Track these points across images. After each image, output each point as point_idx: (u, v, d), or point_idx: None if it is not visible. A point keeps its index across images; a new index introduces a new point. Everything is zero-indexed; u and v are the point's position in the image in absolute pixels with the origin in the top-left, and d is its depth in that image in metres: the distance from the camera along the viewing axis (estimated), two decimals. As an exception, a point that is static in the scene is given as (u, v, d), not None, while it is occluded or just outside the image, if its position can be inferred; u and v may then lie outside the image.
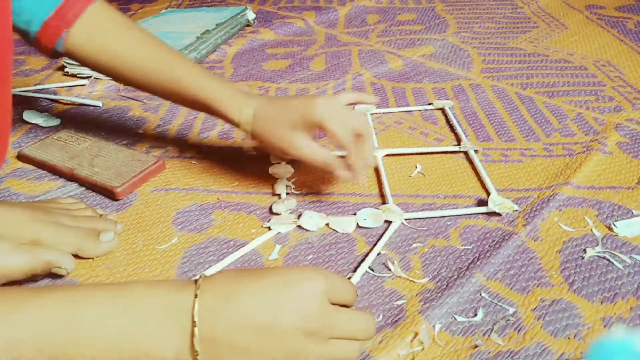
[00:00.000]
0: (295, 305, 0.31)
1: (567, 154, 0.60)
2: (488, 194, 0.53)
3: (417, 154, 0.60)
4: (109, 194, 0.53)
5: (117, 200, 0.53)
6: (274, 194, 0.54)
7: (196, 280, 0.32)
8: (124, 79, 0.52)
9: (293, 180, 0.56)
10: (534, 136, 0.64)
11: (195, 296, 0.30)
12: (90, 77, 0.77)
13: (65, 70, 0.78)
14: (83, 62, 0.52)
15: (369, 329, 0.34)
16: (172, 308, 0.30)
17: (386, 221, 0.50)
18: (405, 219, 0.50)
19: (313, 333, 0.31)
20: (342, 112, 0.48)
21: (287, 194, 0.54)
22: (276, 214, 0.50)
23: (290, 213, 0.51)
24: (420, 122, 0.67)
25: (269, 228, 0.49)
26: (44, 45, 0.49)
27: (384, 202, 0.52)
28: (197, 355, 0.30)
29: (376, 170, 0.57)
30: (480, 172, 0.56)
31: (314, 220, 0.49)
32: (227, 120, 0.50)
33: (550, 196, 0.52)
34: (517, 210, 0.51)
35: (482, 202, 0.52)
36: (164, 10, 1.05)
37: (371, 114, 0.68)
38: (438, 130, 0.65)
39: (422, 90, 0.75)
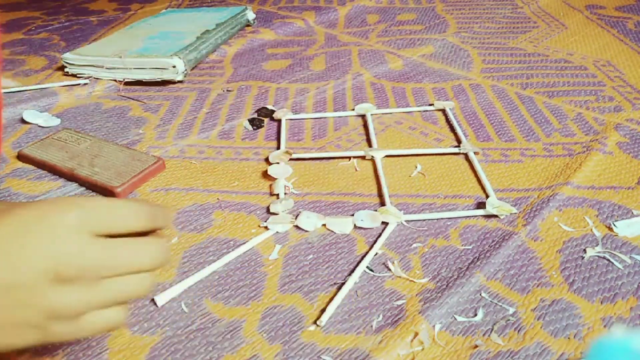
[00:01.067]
0: (36, 253, 0.25)
1: (567, 154, 0.60)
2: (487, 195, 0.53)
3: (416, 155, 0.60)
4: (109, 194, 0.53)
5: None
6: (272, 194, 0.54)
7: None
8: None
9: (292, 180, 0.56)
10: (534, 136, 0.64)
11: None
12: (90, 77, 0.77)
13: (65, 70, 0.79)
14: None
15: (154, 255, 0.29)
16: None
17: (384, 222, 0.50)
18: (403, 221, 0.50)
19: (69, 280, 0.26)
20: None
21: (285, 193, 0.54)
22: (274, 213, 0.51)
23: (288, 213, 0.51)
24: (421, 122, 0.67)
25: (267, 228, 0.49)
26: None
27: (382, 204, 0.52)
28: None
29: (375, 171, 0.57)
30: (479, 174, 0.56)
31: (311, 220, 0.49)
32: None
33: (550, 196, 0.52)
34: (515, 213, 0.51)
35: (482, 204, 0.52)
36: (164, 10, 1.05)
37: (372, 114, 0.68)
38: (438, 131, 0.65)
39: (422, 91, 0.75)
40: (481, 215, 0.50)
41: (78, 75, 0.78)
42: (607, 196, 0.53)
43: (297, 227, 0.49)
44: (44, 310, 0.26)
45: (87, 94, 0.74)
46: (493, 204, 0.51)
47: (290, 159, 0.59)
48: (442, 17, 1.04)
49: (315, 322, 0.40)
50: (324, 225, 0.49)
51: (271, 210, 0.51)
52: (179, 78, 0.76)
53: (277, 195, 0.53)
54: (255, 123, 0.67)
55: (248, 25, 0.99)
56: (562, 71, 0.81)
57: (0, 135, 0.39)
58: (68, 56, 0.78)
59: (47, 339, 0.27)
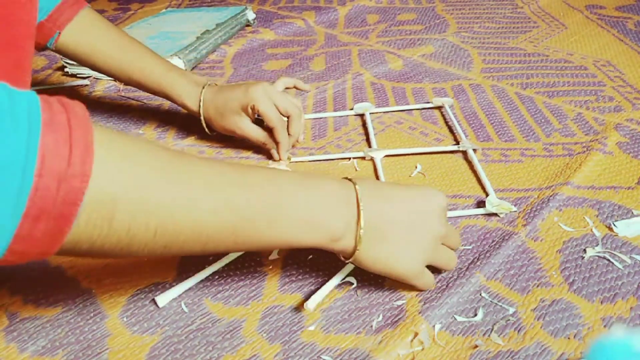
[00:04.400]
0: (433, 212, 0.40)
1: (567, 154, 0.60)
2: (487, 194, 0.53)
3: (416, 154, 0.60)
4: None
5: None
6: None
7: (353, 181, 0.39)
8: (102, 70, 0.62)
9: None
10: (534, 136, 0.64)
11: (356, 192, 0.38)
12: (90, 77, 0.77)
13: (65, 70, 0.79)
14: (67, 56, 0.61)
15: (459, 242, 0.45)
16: (342, 194, 0.38)
17: None
18: None
19: (439, 235, 0.40)
20: (273, 96, 0.58)
21: None
22: None
23: None
24: (421, 122, 0.67)
25: None
26: (37, 42, 0.58)
27: None
28: (361, 230, 0.37)
29: (375, 171, 0.57)
30: (479, 172, 0.56)
31: None
32: (185, 108, 0.60)
33: (550, 196, 0.52)
34: (515, 211, 0.51)
35: (481, 203, 0.52)
36: (164, 10, 1.05)
37: (370, 113, 0.68)
38: (438, 130, 0.65)
39: (422, 90, 0.75)
40: (481, 215, 0.50)
41: (78, 75, 0.78)
42: (607, 196, 0.53)
43: None
44: (431, 256, 0.41)
45: (87, 94, 0.74)
46: (493, 203, 0.51)
47: (290, 163, 0.59)
48: (442, 17, 1.04)
49: (303, 305, 0.40)
50: None
51: None
52: (179, 78, 0.76)
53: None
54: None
55: (248, 25, 0.99)
56: (562, 71, 0.81)
57: None
58: (68, 56, 0.78)
59: (419, 280, 0.41)
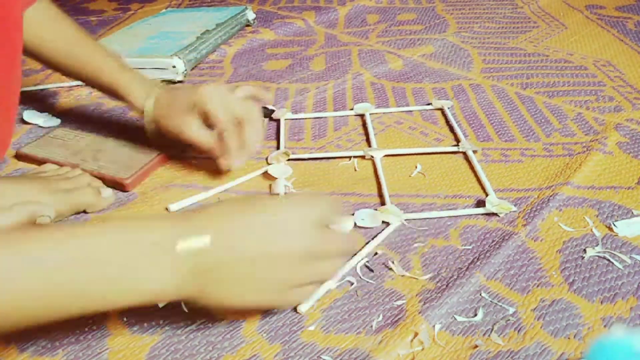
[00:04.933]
0: (293, 232, 0.35)
1: (567, 154, 0.60)
2: (487, 194, 0.53)
3: (415, 154, 0.60)
4: (118, 186, 0.53)
5: (125, 191, 0.54)
6: (271, 194, 0.54)
7: (189, 215, 0.35)
8: (49, 63, 0.58)
9: (292, 180, 0.56)
10: (534, 136, 0.64)
11: (189, 233, 0.33)
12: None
13: (65, 70, 0.79)
14: (34, 54, 0.57)
15: (349, 249, 0.41)
16: (160, 246, 0.33)
17: (385, 222, 0.50)
18: (404, 220, 0.50)
19: (306, 255, 0.36)
20: (226, 98, 0.53)
21: (285, 193, 0.54)
22: None
23: None
24: (421, 122, 0.67)
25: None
26: None
27: (382, 203, 0.52)
28: (189, 286, 0.33)
29: (375, 171, 0.57)
30: (478, 172, 0.56)
31: None
32: (133, 108, 0.57)
33: (550, 196, 0.52)
34: (515, 211, 0.51)
35: (481, 203, 0.52)
36: (164, 10, 1.05)
37: (370, 113, 0.68)
38: (438, 130, 0.65)
39: (422, 90, 0.75)
40: (481, 214, 0.50)
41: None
42: (607, 196, 0.53)
43: None
44: (290, 279, 0.36)
45: (87, 94, 0.74)
46: (492, 202, 0.51)
47: (289, 159, 0.59)
48: (442, 17, 1.04)
49: (295, 308, 0.40)
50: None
51: None
52: (179, 78, 0.76)
53: (277, 195, 0.53)
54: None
55: (248, 25, 0.99)
56: (562, 71, 0.81)
57: (13, 122, 0.47)
58: (68, 56, 0.78)
59: (279, 303, 0.38)
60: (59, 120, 0.67)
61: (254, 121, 0.54)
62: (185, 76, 0.77)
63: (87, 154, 0.57)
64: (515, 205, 0.52)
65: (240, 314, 0.40)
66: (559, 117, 0.68)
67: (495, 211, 0.50)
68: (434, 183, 0.56)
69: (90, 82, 0.58)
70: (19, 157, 0.59)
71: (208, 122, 0.53)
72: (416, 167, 0.58)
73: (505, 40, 0.93)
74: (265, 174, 0.56)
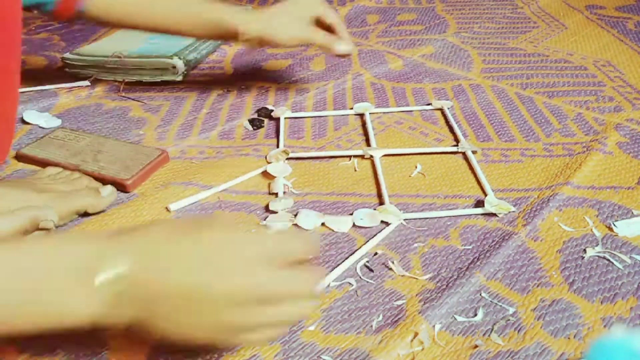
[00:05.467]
0: (226, 277, 0.30)
1: (567, 154, 0.60)
2: (486, 194, 0.53)
3: (415, 154, 0.60)
4: (119, 187, 0.53)
5: (126, 192, 0.54)
6: (270, 193, 0.54)
7: (117, 236, 0.31)
8: (139, 23, 0.60)
9: (292, 180, 0.56)
10: (534, 136, 0.64)
11: (118, 259, 0.30)
12: (90, 77, 0.77)
13: (65, 70, 0.79)
14: (99, 19, 0.60)
15: (310, 287, 0.33)
16: (89, 269, 0.29)
17: (384, 222, 0.50)
18: (402, 220, 0.50)
19: (247, 302, 0.30)
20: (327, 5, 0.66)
21: (285, 192, 0.54)
22: (273, 212, 0.51)
23: (288, 212, 0.51)
24: (421, 122, 0.67)
25: (266, 226, 0.49)
26: (68, 7, 0.57)
27: (381, 203, 0.52)
28: (122, 313, 0.30)
29: (374, 170, 0.57)
30: (477, 173, 0.56)
31: (310, 219, 0.49)
32: (236, 32, 0.61)
33: (550, 196, 0.52)
34: (513, 211, 0.51)
35: (481, 203, 0.52)
36: (164, 11, 1.05)
37: (370, 113, 0.68)
38: (438, 130, 0.65)
39: (422, 91, 0.75)
40: (480, 214, 0.50)
41: (78, 76, 0.78)
42: (607, 196, 0.53)
43: (296, 225, 0.49)
44: (233, 322, 0.31)
45: (88, 94, 0.74)
46: (492, 203, 0.51)
47: (288, 158, 0.59)
48: (442, 17, 1.04)
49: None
50: (323, 224, 0.49)
51: (270, 209, 0.51)
52: (179, 78, 0.76)
53: (276, 194, 0.53)
54: (256, 123, 0.67)
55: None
56: (562, 71, 0.81)
57: (14, 123, 0.48)
58: (68, 56, 0.78)
59: (226, 343, 0.34)
60: (59, 121, 0.67)
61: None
62: (185, 76, 0.77)
63: (87, 154, 0.57)
64: (515, 205, 0.52)
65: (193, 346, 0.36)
66: (559, 117, 0.68)
67: (494, 211, 0.50)
68: (434, 183, 0.56)
69: (185, 24, 0.60)
70: (19, 157, 0.59)
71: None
72: (416, 167, 0.58)
73: (505, 41, 0.93)
74: (265, 173, 0.56)
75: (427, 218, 0.50)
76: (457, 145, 0.61)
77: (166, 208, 0.51)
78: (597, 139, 0.62)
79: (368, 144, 0.63)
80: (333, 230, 0.49)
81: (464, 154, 0.60)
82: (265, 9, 0.64)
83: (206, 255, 0.31)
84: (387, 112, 0.70)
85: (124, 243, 0.31)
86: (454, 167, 0.58)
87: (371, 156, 0.59)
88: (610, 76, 0.79)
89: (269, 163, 0.58)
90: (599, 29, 0.97)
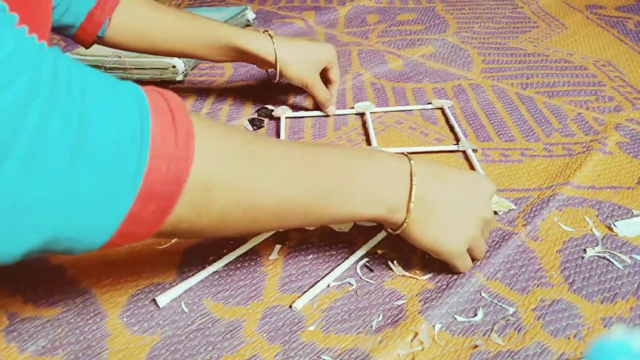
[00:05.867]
0: (481, 199, 0.42)
1: (567, 154, 0.60)
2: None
3: (415, 153, 0.60)
4: None
5: None
6: None
7: (409, 158, 0.40)
8: (161, 49, 0.62)
9: None
10: (534, 136, 0.64)
11: (411, 168, 0.39)
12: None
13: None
14: (122, 43, 0.60)
15: (488, 236, 0.46)
16: (399, 169, 0.39)
17: None
18: None
19: (484, 220, 0.42)
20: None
21: None
22: None
23: None
24: (421, 121, 0.67)
25: None
26: (89, 32, 0.58)
27: None
28: (411, 205, 0.38)
29: None
30: (478, 171, 0.56)
31: None
32: (261, 60, 0.63)
33: (550, 196, 0.52)
34: (513, 209, 0.51)
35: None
36: (164, 10, 1.05)
37: (371, 112, 0.68)
38: (438, 130, 0.65)
39: (422, 90, 0.75)
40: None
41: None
42: (607, 196, 0.53)
43: None
44: (471, 233, 0.41)
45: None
46: (492, 201, 0.51)
47: None
48: (442, 17, 1.04)
49: (290, 306, 0.41)
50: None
51: None
52: (179, 78, 0.76)
53: None
54: (256, 123, 0.67)
55: (248, 25, 0.99)
56: (562, 71, 0.81)
57: None
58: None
59: (455, 253, 0.41)
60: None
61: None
62: (185, 76, 0.77)
63: None
64: (515, 205, 0.52)
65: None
66: (559, 117, 0.68)
67: (494, 209, 0.50)
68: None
69: (210, 51, 0.62)
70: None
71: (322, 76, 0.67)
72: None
73: (505, 40, 0.93)
74: None
75: None
76: (457, 144, 0.61)
77: None
78: (597, 139, 0.62)
79: (368, 143, 0.63)
80: (334, 230, 0.49)
81: (464, 152, 0.60)
82: (285, 38, 0.65)
83: (465, 186, 0.42)
84: (388, 112, 0.70)
85: (411, 159, 0.40)
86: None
87: None
88: (610, 76, 0.79)
89: None
90: (599, 28, 0.97)
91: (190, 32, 0.60)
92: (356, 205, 0.37)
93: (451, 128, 0.66)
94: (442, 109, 0.70)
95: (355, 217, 0.39)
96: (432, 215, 0.39)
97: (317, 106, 0.71)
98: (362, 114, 0.69)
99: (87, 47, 0.60)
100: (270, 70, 0.68)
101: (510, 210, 0.51)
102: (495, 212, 0.50)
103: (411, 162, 0.40)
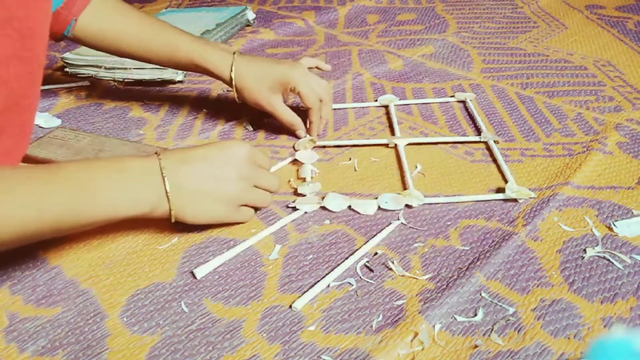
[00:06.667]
0: (228, 160, 0.46)
1: (567, 154, 0.60)
2: (506, 181, 0.54)
3: (437, 143, 0.62)
4: None
5: None
6: (298, 178, 0.56)
7: (156, 152, 0.44)
8: (126, 54, 0.61)
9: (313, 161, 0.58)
10: (534, 136, 0.64)
11: (159, 160, 0.44)
12: (90, 77, 0.77)
13: (65, 70, 0.79)
14: (87, 44, 0.61)
15: (276, 184, 0.50)
16: (147, 169, 0.43)
17: (407, 206, 0.52)
18: (425, 204, 0.52)
19: (244, 178, 0.47)
20: (311, 79, 0.61)
21: (312, 177, 0.56)
22: (301, 194, 0.53)
23: (315, 195, 0.53)
24: (420, 122, 0.67)
25: (295, 208, 0.51)
26: (54, 31, 0.58)
27: (405, 188, 0.54)
28: (169, 195, 0.43)
29: (398, 159, 0.59)
30: (499, 161, 0.58)
31: (337, 201, 0.51)
32: (217, 77, 0.61)
33: (550, 196, 0.52)
34: (534, 198, 0.52)
35: (501, 190, 0.54)
36: (163, 10, 1.05)
37: (395, 105, 0.70)
38: (438, 130, 0.65)
39: (422, 90, 0.75)
40: (483, 213, 0.50)
41: (78, 75, 0.78)
42: (607, 196, 0.53)
43: (323, 207, 0.51)
44: (231, 194, 0.46)
45: (87, 94, 0.74)
46: (512, 189, 0.52)
47: (315, 147, 0.62)
48: (442, 17, 1.04)
49: (290, 306, 0.41)
50: (350, 206, 0.51)
51: (299, 192, 0.53)
52: (179, 78, 0.76)
53: (304, 178, 0.56)
54: (256, 123, 0.67)
55: (248, 25, 0.99)
56: (562, 71, 0.81)
57: (22, 155, 0.51)
58: (68, 56, 0.78)
59: (227, 215, 0.47)
60: (59, 121, 0.67)
61: (330, 99, 0.63)
62: (185, 76, 0.77)
63: (89, 154, 0.57)
64: (515, 206, 0.52)
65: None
66: (559, 117, 0.68)
67: (515, 197, 0.52)
68: (434, 182, 0.55)
69: (171, 62, 0.61)
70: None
71: (285, 97, 0.63)
72: (416, 167, 0.58)
73: (505, 40, 0.93)
74: (294, 161, 0.59)
75: (448, 202, 0.52)
76: (479, 136, 0.63)
77: None
78: (597, 139, 0.62)
79: (392, 133, 0.63)
80: (334, 230, 0.49)
81: (485, 143, 0.62)
82: (249, 57, 0.61)
83: (213, 153, 0.46)
84: (409, 104, 0.71)
85: (160, 154, 0.44)
86: (454, 167, 0.58)
87: (395, 145, 0.61)
88: (610, 76, 0.79)
89: (296, 151, 0.61)
90: (599, 28, 0.97)
91: (154, 43, 0.60)
92: (109, 210, 0.41)
93: (473, 120, 0.67)
94: (464, 102, 0.72)
95: (117, 219, 0.42)
96: (193, 196, 0.44)
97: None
98: (385, 106, 0.71)
99: (55, 41, 0.61)
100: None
101: (530, 197, 0.52)
102: (516, 200, 0.52)
103: (160, 157, 0.44)
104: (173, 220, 0.44)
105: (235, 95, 0.61)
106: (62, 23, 0.58)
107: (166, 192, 0.43)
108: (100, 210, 0.41)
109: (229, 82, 0.60)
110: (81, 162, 0.43)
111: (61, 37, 0.60)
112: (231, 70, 0.59)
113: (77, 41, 0.61)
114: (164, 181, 0.43)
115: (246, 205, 0.48)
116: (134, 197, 0.42)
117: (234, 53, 0.60)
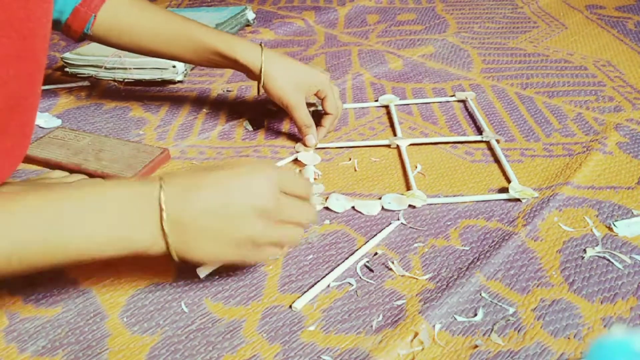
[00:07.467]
0: (247, 191, 0.37)
1: (567, 154, 0.60)
2: (509, 181, 0.54)
3: (440, 143, 0.62)
4: None
5: None
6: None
7: (160, 177, 0.37)
8: (146, 50, 0.60)
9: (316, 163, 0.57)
10: (534, 136, 0.64)
11: (160, 187, 0.36)
12: (90, 77, 0.77)
13: (65, 70, 0.79)
14: (108, 41, 0.60)
15: (311, 215, 0.41)
16: (142, 197, 0.36)
17: (410, 206, 0.52)
18: (428, 204, 0.52)
19: (266, 214, 0.38)
20: (336, 90, 0.63)
21: (315, 179, 0.56)
22: None
23: (318, 196, 0.53)
24: (420, 122, 0.67)
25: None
26: (74, 29, 0.58)
27: (408, 188, 0.54)
28: (167, 236, 0.36)
29: (401, 160, 0.59)
30: (502, 161, 0.58)
31: (340, 202, 0.52)
32: (244, 69, 0.59)
33: (550, 196, 0.52)
34: (536, 197, 0.52)
35: (504, 190, 0.54)
36: (164, 10, 1.05)
37: (395, 105, 0.71)
38: (438, 130, 0.65)
39: (422, 90, 0.75)
40: (483, 213, 0.50)
41: (78, 75, 0.78)
42: (607, 196, 0.53)
43: (327, 208, 0.51)
44: (242, 232, 0.37)
45: (87, 94, 0.74)
46: (515, 189, 0.52)
47: (316, 149, 0.62)
48: (442, 17, 1.04)
49: (290, 306, 0.41)
50: (353, 207, 0.51)
51: None
52: (179, 78, 0.76)
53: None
54: (256, 123, 0.67)
55: (248, 25, 0.99)
56: (562, 71, 0.81)
57: (23, 156, 0.48)
58: (68, 56, 0.78)
59: (242, 258, 0.39)
60: (59, 121, 0.67)
61: (340, 115, 0.64)
62: (185, 76, 0.77)
63: (89, 153, 0.57)
64: (515, 206, 0.52)
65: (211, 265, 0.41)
66: (559, 117, 0.68)
67: (518, 197, 0.52)
68: (435, 182, 0.55)
69: (196, 56, 0.59)
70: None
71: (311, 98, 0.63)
72: (416, 167, 0.58)
73: (505, 40, 0.93)
74: (294, 161, 0.60)
75: (451, 202, 0.52)
76: (481, 135, 0.63)
77: None
78: (597, 139, 0.62)
79: (394, 133, 0.63)
80: (334, 230, 0.49)
81: (487, 143, 0.62)
82: (277, 53, 0.61)
83: (231, 176, 0.38)
84: (409, 104, 0.71)
85: (163, 180, 0.37)
86: (454, 167, 0.58)
87: (397, 145, 0.61)
88: (610, 76, 0.79)
89: (297, 152, 0.61)
90: (599, 28, 0.97)
91: (177, 35, 0.58)
92: (86, 249, 0.35)
93: (474, 120, 0.67)
94: (464, 102, 0.72)
95: (100, 258, 0.36)
96: (199, 234, 0.37)
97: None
98: (385, 106, 0.71)
99: (76, 42, 0.60)
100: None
101: (532, 197, 0.52)
102: (517, 200, 0.52)
103: (162, 182, 0.36)
104: (176, 259, 0.38)
105: (260, 86, 0.60)
106: (82, 20, 0.57)
107: (162, 229, 0.36)
108: (74, 250, 0.35)
109: (255, 73, 0.59)
110: (55, 194, 0.36)
111: (82, 36, 0.59)
112: (261, 61, 0.58)
113: (97, 39, 0.60)
114: (161, 215, 0.36)
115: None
116: (119, 234, 0.35)
117: (261, 44, 0.60)
